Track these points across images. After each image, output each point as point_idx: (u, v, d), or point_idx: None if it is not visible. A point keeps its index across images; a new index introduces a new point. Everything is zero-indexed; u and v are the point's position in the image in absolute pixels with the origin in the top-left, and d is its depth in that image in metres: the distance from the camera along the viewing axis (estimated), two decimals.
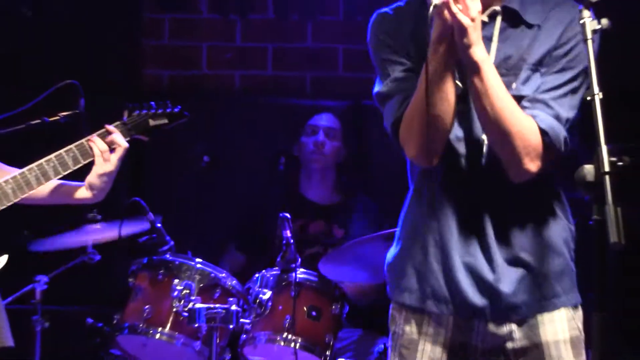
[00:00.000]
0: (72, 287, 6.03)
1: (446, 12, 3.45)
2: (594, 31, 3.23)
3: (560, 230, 3.77)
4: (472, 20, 3.46)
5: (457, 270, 3.67)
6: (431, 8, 3.46)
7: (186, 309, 5.34)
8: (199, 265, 5.58)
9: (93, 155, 4.17)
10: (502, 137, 3.53)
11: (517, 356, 3.68)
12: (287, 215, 5.51)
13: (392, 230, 5.08)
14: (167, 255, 5.61)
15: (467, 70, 3.52)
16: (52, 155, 4.13)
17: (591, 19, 3.25)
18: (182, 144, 7.01)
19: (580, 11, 3.24)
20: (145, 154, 7.04)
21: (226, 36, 7.59)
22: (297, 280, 5.50)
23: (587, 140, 3.32)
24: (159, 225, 5.71)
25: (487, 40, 3.64)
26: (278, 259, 5.55)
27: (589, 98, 3.10)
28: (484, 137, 3.68)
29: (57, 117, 4.56)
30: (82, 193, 4.26)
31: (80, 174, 4.38)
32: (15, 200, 4.06)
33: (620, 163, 3.00)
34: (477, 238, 3.68)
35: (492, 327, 3.68)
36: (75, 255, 5.86)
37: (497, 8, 3.68)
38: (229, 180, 7.11)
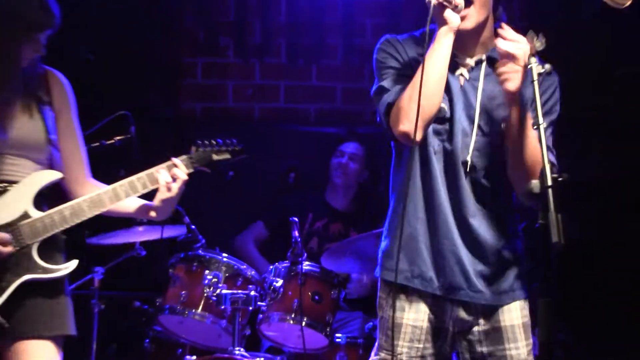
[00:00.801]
0: (123, 276, 6.08)
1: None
2: (539, 74, 3.31)
3: (518, 241, 3.81)
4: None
5: (442, 258, 3.68)
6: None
7: (214, 294, 5.41)
8: (225, 259, 5.61)
9: (159, 184, 4.04)
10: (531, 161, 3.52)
11: (482, 337, 3.72)
12: (296, 219, 5.55)
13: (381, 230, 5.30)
14: (200, 251, 5.66)
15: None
16: (125, 181, 4.01)
17: (537, 64, 3.32)
18: None
19: (528, 57, 3.38)
20: None
21: (247, 76, 7.49)
22: (303, 271, 5.55)
23: None
24: (193, 227, 5.79)
25: (474, 80, 3.69)
26: (288, 254, 5.57)
27: (535, 127, 3.18)
28: (468, 158, 3.66)
29: (113, 141, 4.52)
30: (149, 212, 4.15)
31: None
32: (90, 216, 3.94)
33: (560, 179, 3.04)
34: (461, 234, 3.68)
35: (462, 313, 3.71)
36: (125, 251, 5.92)
37: (482, 57, 3.72)
38: (249, 190, 6.98)
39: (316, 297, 5.57)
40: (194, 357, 5.39)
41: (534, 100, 3.27)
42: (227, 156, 4.29)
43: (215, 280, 5.47)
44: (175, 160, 4.07)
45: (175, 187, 4.04)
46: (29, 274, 3.79)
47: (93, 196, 3.93)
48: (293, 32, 7.50)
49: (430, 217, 3.72)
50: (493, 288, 3.72)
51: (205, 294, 5.47)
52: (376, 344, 3.86)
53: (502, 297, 3.73)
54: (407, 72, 3.71)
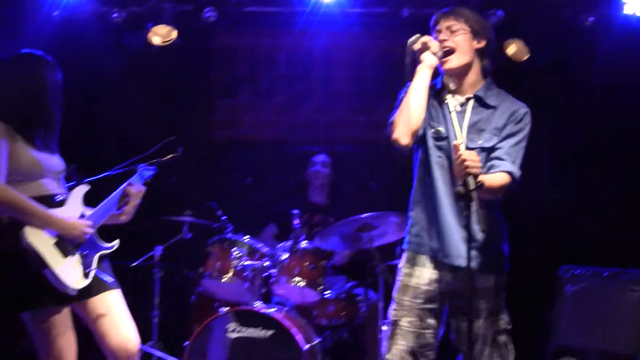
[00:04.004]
0: (176, 252, 6.09)
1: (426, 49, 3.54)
2: (473, 189, 3.40)
3: (501, 226, 3.77)
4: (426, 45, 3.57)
5: (445, 235, 3.65)
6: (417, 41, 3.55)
7: (239, 265, 5.51)
8: (246, 240, 5.66)
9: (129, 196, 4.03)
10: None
11: (465, 295, 3.54)
12: (296, 211, 5.70)
13: (354, 217, 5.29)
14: (228, 235, 5.70)
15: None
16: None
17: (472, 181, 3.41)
18: (232, 173, 7.13)
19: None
20: (214, 176, 7.11)
21: (258, 112, 7.44)
22: (302, 248, 5.62)
23: None
24: (223, 217, 5.85)
25: (463, 113, 3.66)
26: (291, 236, 5.67)
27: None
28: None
29: (166, 158, 4.36)
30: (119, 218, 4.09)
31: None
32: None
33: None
34: (457, 221, 3.63)
35: (453, 277, 3.67)
36: (176, 234, 5.93)
37: (470, 95, 3.69)
38: (260, 192, 6.95)
39: (311, 266, 5.60)
40: (227, 308, 5.39)
41: (509, 134, 3.54)
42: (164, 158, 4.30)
43: (240, 254, 5.55)
44: (130, 181, 4.08)
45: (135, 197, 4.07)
46: (100, 251, 3.93)
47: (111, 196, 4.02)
48: (290, 80, 7.42)
49: (437, 208, 3.68)
50: (479, 259, 3.62)
51: (233, 265, 5.53)
52: (392, 299, 3.77)
53: (484, 267, 3.65)
54: None
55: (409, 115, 3.56)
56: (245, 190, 6.82)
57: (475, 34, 3.71)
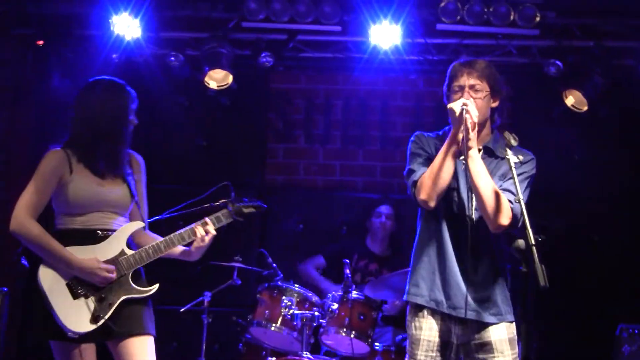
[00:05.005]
0: (224, 298, 6.02)
1: (465, 113, 3.54)
2: (516, 163, 3.53)
3: (505, 278, 3.82)
4: (474, 125, 3.58)
5: (449, 287, 3.70)
6: (456, 107, 3.57)
7: (289, 313, 5.46)
8: (297, 288, 5.64)
9: (196, 236, 4.01)
10: (485, 198, 3.59)
11: (477, 349, 3.72)
12: (348, 261, 5.60)
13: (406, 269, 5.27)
14: (279, 282, 5.69)
15: (467, 158, 3.59)
16: (176, 233, 3.98)
17: (513, 154, 3.52)
18: (285, 218, 7.16)
19: (505, 150, 3.52)
20: (266, 222, 7.10)
21: (313, 157, 7.47)
22: (352, 298, 5.57)
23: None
24: (274, 265, 5.82)
25: None
26: (341, 285, 5.59)
27: (516, 201, 3.36)
28: (472, 213, 3.71)
29: (218, 203, 4.24)
30: (185, 256, 4.08)
31: None
32: (165, 252, 3.97)
33: (539, 239, 3.20)
34: (463, 269, 3.70)
35: (462, 329, 3.73)
36: (226, 280, 5.87)
37: (480, 147, 3.77)
38: (312, 238, 7.08)
39: (361, 317, 5.55)
40: (274, 358, 5.40)
41: (511, 177, 3.50)
42: (252, 210, 4.21)
43: (290, 303, 5.49)
44: (207, 219, 4.06)
45: (207, 239, 4.02)
46: (127, 294, 3.86)
47: (161, 241, 3.96)
48: (346, 126, 7.48)
49: (441, 258, 3.74)
50: (485, 310, 3.71)
51: (282, 313, 5.50)
52: (407, 354, 3.84)
53: (491, 318, 3.72)
54: (430, 157, 3.79)
55: (440, 181, 3.67)
56: (297, 237, 6.82)
57: (493, 94, 3.77)
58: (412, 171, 3.82)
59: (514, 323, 3.76)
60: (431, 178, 3.68)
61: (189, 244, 4.08)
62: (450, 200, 3.77)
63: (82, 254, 3.82)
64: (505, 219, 3.61)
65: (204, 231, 4.04)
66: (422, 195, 3.69)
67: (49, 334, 3.79)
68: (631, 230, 6.79)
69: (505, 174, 3.75)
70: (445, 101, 3.81)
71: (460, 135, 3.60)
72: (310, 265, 6.68)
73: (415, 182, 3.75)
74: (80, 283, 3.80)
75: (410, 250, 3.91)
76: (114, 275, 3.83)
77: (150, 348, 3.89)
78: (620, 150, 6.87)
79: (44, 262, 3.79)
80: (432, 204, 3.69)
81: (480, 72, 3.73)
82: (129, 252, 3.93)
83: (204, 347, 5.82)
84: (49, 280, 3.76)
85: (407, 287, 3.85)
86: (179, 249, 4.09)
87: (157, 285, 3.96)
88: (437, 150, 3.79)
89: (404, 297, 3.87)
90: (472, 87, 3.72)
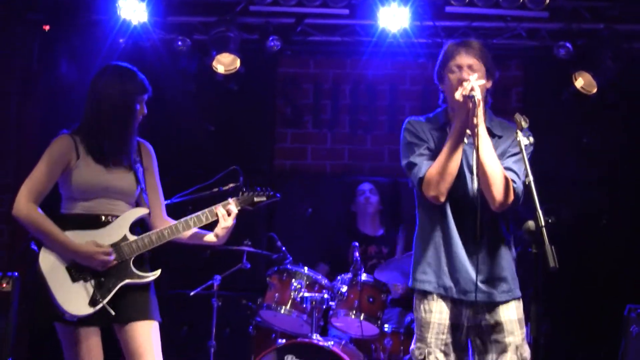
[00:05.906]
0: (234, 282, 6.03)
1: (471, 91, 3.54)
2: (526, 145, 3.49)
3: (511, 254, 3.81)
4: (479, 102, 3.55)
5: (457, 271, 3.70)
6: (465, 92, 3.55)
7: (298, 296, 5.50)
8: (306, 271, 5.65)
9: (217, 217, 4.02)
10: (492, 177, 3.58)
11: (488, 329, 3.73)
12: (357, 244, 5.66)
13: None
14: (288, 266, 5.70)
15: (476, 137, 3.56)
16: (193, 215, 3.98)
17: (523, 136, 3.48)
18: (294, 202, 7.15)
19: (516, 132, 3.48)
20: (275, 209, 7.07)
21: (321, 142, 7.48)
22: (362, 281, 5.59)
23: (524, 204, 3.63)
24: (283, 248, 5.86)
25: (471, 145, 3.70)
26: (351, 268, 5.61)
27: (527, 182, 3.31)
28: (474, 186, 3.69)
29: (228, 187, 4.31)
30: (210, 238, 4.09)
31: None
32: (169, 239, 3.96)
33: (549, 220, 3.17)
34: (470, 252, 3.69)
35: (472, 312, 3.73)
36: (236, 264, 5.88)
37: None
38: (321, 222, 7.12)
39: (370, 299, 5.58)
40: (284, 340, 5.43)
41: (510, 155, 3.62)
42: (263, 199, 4.21)
43: (299, 286, 5.53)
44: (229, 200, 4.07)
45: (230, 219, 4.03)
46: (127, 279, 3.85)
47: (171, 225, 3.97)
48: (354, 110, 7.49)
49: (446, 243, 3.73)
50: (495, 289, 3.71)
51: (292, 296, 5.53)
52: (415, 336, 3.82)
53: (502, 296, 3.72)
54: (428, 146, 3.78)
55: (448, 175, 3.65)
56: (305, 221, 6.83)
57: (488, 75, 3.77)
58: (413, 164, 3.78)
59: (521, 300, 3.78)
60: (440, 173, 3.65)
61: (208, 228, 4.07)
62: (453, 184, 3.73)
63: (81, 239, 3.83)
64: (509, 197, 3.62)
65: (226, 211, 4.06)
66: (433, 192, 3.67)
67: (51, 317, 3.82)
68: (639, 213, 6.80)
69: (504, 153, 3.74)
70: (437, 82, 3.85)
71: (475, 120, 3.58)
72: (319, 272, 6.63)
73: (421, 179, 3.70)
74: (80, 267, 3.82)
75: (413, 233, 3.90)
76: (111, 258, 3.83)
77: (155, 333, 3.90)
78: (627, 134, 6.88)
79: (45, 245, 3.82)
80: (443, 198, 3.68)
81: (477, 51, 3.74)
82: (132, 237, 3.92)
83: (214, 331, 5.84)
84: (49, 263, 3.79)
85: (413, 274, 3.85)
86: (199, 234, 4.10)
87: (158, 271, 3.96)
88: (432, 136, 3.79)
89: (410, 284, 3.86)
90: (470, 66, 3.71)
